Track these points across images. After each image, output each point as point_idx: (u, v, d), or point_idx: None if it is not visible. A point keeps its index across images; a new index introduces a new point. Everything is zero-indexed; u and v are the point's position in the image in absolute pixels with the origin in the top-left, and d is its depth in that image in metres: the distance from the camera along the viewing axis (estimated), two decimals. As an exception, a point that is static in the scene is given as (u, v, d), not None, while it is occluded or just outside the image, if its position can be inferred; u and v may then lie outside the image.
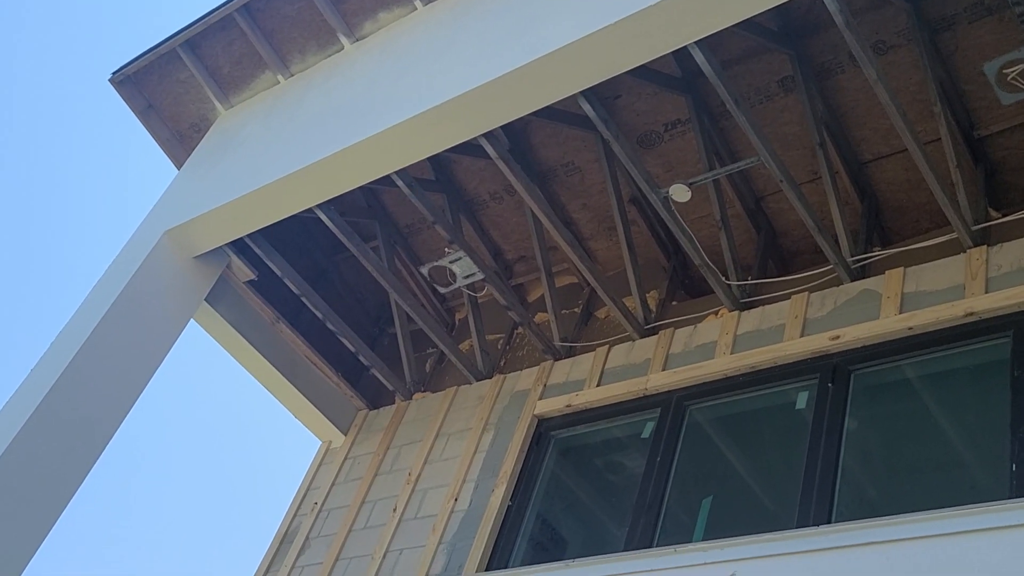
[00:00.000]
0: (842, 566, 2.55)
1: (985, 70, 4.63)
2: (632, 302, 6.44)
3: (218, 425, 24.81)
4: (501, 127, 6.00)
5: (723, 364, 5.74)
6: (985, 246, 5.24)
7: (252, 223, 6.35)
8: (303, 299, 6.78)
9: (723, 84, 5.15)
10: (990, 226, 5.42)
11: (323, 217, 6.29)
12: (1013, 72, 4.62)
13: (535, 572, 3.37)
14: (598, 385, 6.23)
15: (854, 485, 5.11)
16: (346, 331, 6.89)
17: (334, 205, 6.33)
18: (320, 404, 7.24)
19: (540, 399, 6.40)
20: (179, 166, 7.52)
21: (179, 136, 7.62)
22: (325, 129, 6.22)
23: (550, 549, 6.21)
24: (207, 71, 7.21)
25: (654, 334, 6.30)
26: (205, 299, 6.60)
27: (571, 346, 6.64)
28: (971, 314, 5.00)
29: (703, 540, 3.27)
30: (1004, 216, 5.47)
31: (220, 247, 6.55)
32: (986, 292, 5.04)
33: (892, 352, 5.29)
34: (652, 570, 2.85)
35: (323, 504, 6.88)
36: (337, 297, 7.58)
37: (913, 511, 3.38)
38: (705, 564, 2.74)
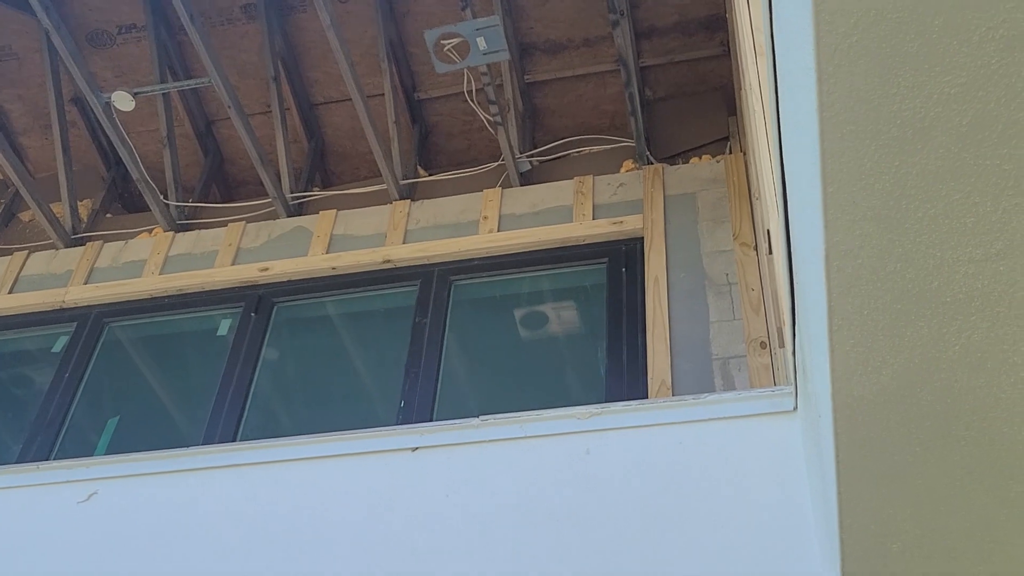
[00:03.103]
0: (200, 487, 2.65)
1: (425, 37, 4.98)
2: (61, 208, 6.04)
3: None
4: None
5: (150, 284, 5.62)
6: (409, 201, 5.68)
7: None
8: None
9: (181, -3, 4.99)
10: (417, 183, 5.88)
11: None
12: (449, 44, 5.03)
13: None
14: (11, 292, 5.78)
15: (264, 412, 5.30)
16: None
17: None
18: None
19: (-61, 302, 5.78)
20: None
21: None
22: None
23: (-67, 465, 5.67)
24: None
25: (82, 245, 5.98)
26: None
27: (-15, 248, 6.08)
28: (388, 261, 5.41)
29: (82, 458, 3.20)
30: (430, 175, 5.96)
31: None
32: (403, 243, 5.47)
33: (315, 289, 5.54)
34: (7, 487, 2.72)
35: None
36: None
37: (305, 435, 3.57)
38: (68, 482, 2.68)
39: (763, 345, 4.52)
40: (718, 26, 5.65)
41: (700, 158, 5.46)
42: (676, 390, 4.55)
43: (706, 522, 2.47)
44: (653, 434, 2.64)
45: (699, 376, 4.54)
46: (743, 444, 2.57)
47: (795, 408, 2.55)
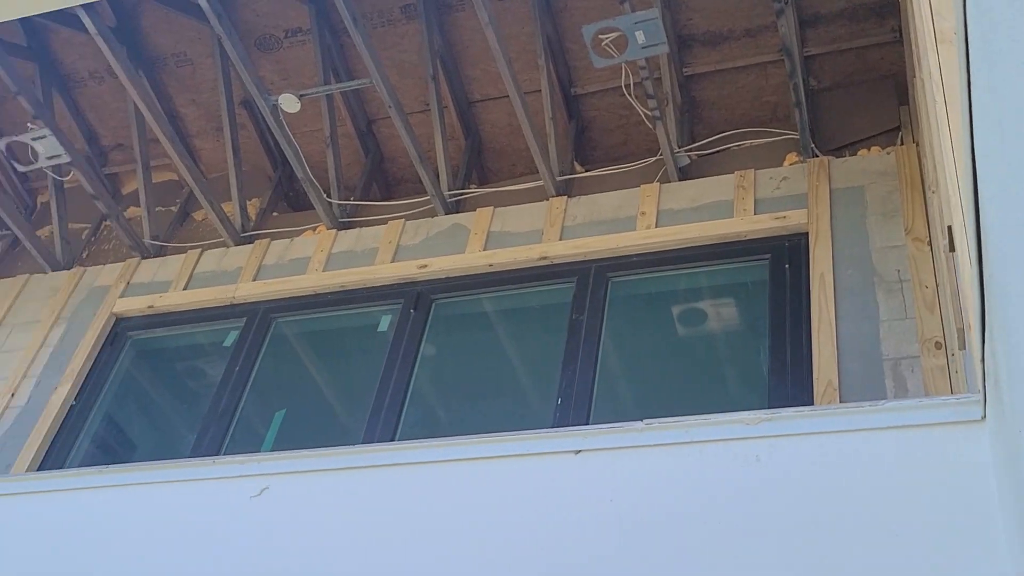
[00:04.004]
0: (366, 485, 2.69)
1: (583, 31, 4.94)
2: (231, 208, 6.28)
3: None
4: (108, 1, 5.60)
5: (314, 280, 5.78)
6: (566, 197, 5.65)
7: None
8: None
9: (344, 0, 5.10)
10: (573, 179, 5.85)
11: None
12: (607, 39, 4.98)
13: (67, 476, 3.23)
14: (185, 288, 6.04)
15: (423, 407, 5.38)
16: (-99, 200, 6.13)
17: None
18: None
19: (121, 297, 6.10)
20: None
21: None
22: None
23: (117, 451, 5.99)
24: None
25: (250, 243, 6.20)
26: None
27: (162, 245, 6.37)
28: (545, 258, 5.39)
29: (255, 453, 3.32)
30: (587, 171, 5.92)
31: None
32: (560, 239, 5.44)
33: (473, 285, 5.58)
34: (186, 480, 2.84)
35: None
36: None
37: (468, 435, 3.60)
38: (241, 476, 2.77)
39: (938, 346, 4.29)
40: (889, 11, 5.40)
41: (869, 150, 5.23)
42: (843, 391, 4.37)
43: (882, 538, 2.35)
44: (827, 442, 2.52)
45: (868, 377, 4.36)
46: (924, 455, 2.44)
47: (983, 417, 2.39)
